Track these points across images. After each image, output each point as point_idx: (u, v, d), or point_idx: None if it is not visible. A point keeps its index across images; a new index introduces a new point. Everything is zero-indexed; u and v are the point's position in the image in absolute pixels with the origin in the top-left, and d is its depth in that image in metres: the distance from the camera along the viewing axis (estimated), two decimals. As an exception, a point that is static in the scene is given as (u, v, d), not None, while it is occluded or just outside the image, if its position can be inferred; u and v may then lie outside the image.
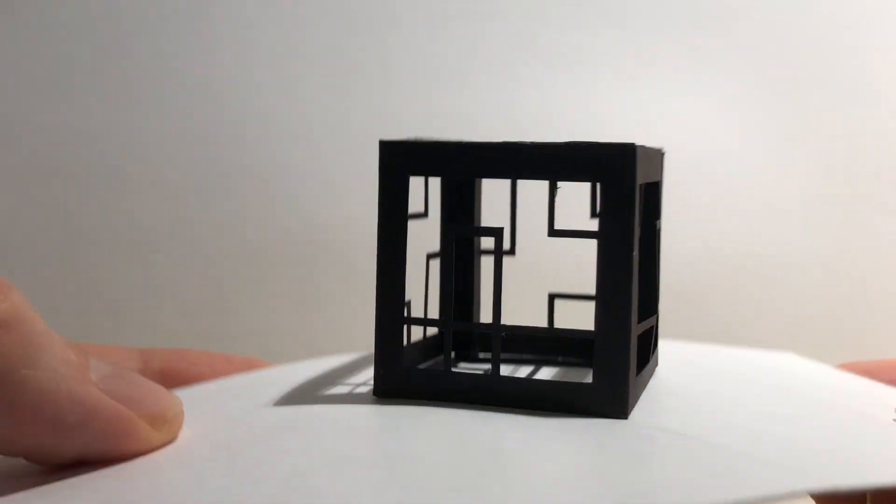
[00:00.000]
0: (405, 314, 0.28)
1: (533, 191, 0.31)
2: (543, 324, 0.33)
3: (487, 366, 0.30)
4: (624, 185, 0.27)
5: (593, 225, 0.28)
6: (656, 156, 0.30)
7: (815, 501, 0.30)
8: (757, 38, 0.63)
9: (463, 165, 0.28)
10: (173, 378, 0.32)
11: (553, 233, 0.28)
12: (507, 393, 0.27)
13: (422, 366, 0.31)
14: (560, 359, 0.33)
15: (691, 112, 0.63)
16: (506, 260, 0.29)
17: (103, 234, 0.54)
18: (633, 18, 0.63)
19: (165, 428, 0.26)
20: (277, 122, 0.63)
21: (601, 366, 0.26)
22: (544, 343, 0.33)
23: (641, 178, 0.28)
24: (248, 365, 0.34)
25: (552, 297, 0.33)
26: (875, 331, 0.56)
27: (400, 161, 0.28)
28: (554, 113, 0.59)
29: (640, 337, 0.28)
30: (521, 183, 0.30)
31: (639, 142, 0.28)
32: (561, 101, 0.59)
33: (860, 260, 0.56)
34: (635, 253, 0.27)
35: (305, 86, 0.64)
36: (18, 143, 0.60)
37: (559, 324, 0.32)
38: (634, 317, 0.27)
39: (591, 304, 0.27)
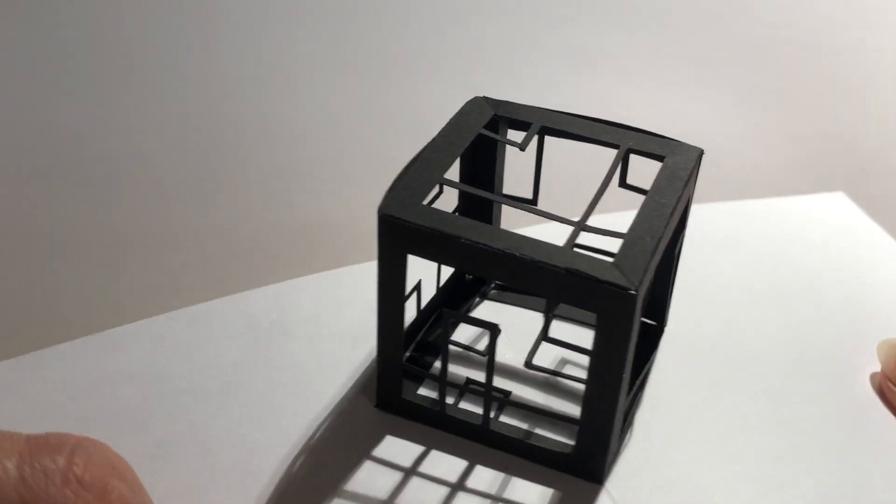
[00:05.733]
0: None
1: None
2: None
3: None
4: (621, 328, 0.25)
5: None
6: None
7: None
8: (757, 39, 0.63)
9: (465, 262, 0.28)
10: None
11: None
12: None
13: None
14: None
15: (691, 112, 0.63)
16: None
17: (101, 233, 0.54)
18: (634, 19, 0.63)
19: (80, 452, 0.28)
20: (277, 121, 0.63)
21: None
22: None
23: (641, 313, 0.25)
24: None
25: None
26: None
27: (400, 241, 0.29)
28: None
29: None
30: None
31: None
32: (562, 101, 0.60)
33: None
34: (626, 375, 0.26)
35: (306, 84, 0.64)
36: (14, 142, 0.60)
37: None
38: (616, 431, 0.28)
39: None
